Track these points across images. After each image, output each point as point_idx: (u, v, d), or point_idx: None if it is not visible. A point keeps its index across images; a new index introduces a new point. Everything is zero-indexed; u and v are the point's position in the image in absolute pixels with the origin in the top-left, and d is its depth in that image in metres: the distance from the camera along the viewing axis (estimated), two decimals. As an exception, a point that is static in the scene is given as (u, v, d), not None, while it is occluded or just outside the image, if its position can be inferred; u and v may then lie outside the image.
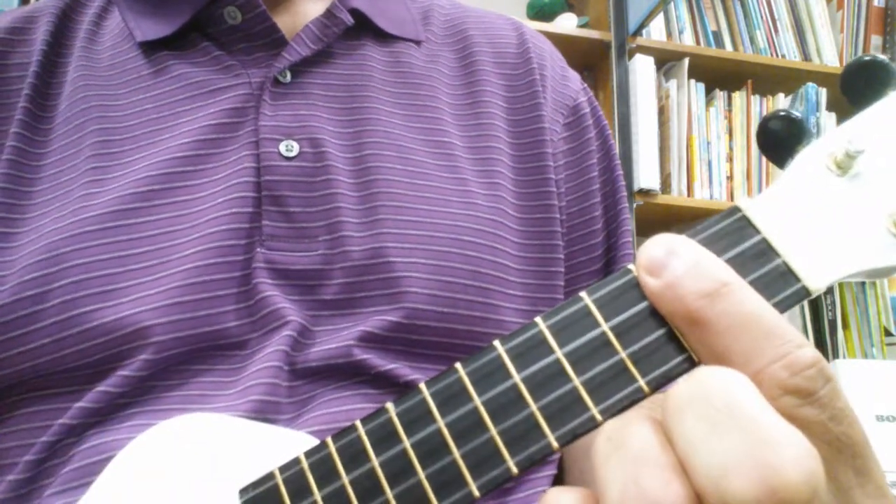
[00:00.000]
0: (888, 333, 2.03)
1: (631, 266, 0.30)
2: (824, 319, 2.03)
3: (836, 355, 1.95)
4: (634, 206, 1.92)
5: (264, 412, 0.46)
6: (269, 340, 0.48)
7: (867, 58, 0.33)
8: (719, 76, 2.15)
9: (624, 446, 0.26)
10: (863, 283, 2.07)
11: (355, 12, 0.59)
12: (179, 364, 0.48)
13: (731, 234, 0.30)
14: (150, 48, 0.57)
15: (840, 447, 0.26)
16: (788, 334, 0.26)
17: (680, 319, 0.28)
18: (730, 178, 2.09)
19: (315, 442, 0.32)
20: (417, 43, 0.63)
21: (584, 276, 0.62)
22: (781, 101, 2.17)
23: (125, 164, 0.53)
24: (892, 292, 2.05)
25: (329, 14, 0.58)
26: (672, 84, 2.08)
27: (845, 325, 2.03)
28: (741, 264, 0.29)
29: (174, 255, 0.49)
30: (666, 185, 2.02)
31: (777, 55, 2.22)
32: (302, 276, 0.51)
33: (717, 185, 2.06)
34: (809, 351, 0.26)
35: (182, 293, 0.48)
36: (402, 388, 0.49)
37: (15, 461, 0.47)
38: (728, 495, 0.23)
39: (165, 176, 0.51)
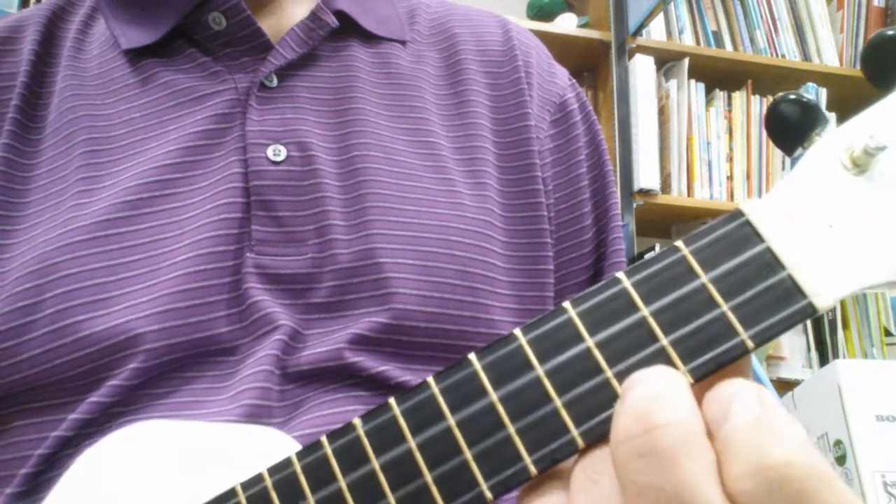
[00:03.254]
0: (888, 333, 2.02)
1: (619, 275, 0.28)
2: (824, 319, 2.02)
3: (836, 355, 1.95)
4: (634, 206, 1.92)
5: (256, 416, 0.46)
6: (260, 345, 0.48)
7: (891, 32, 0.29)
8: (719, 76, 2.15)
9: (595, 485, 0.24)
10: (863, 283, 2.07)
11: (340, 14, 0.59)
12: (171, 371, 0.48)
13: (733, 242, 0.27)
14: (136, 56, 0.57)
15: None
16: None
17: (730, 491, 0.22)
18: (730, 178, 2.09)
19: (283, 438, 0.31)
20: (403, 43, 0.63)
21: (574, 273, 0.62)
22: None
23: (114, 173, 0.53)
24: (893, 292, 2.05)
25: (313, 16, 0.57)
26: (672, 84, 2.08)
27: (845, 325, 2.03)
28: (743, 277, 0.27)
29: (164, 262, 0.49)
30: (666, 185, 2.02)
31: (777, 55, 2.22)
32: (292, 279, 0.51)
33: (717, 185, 2.06)
34: None
35: (173, 300, 0.48)
36: (393, 390, 0.49)
37: (12, 474, 0.47)
38: None
39: (154, 184, 0.51)
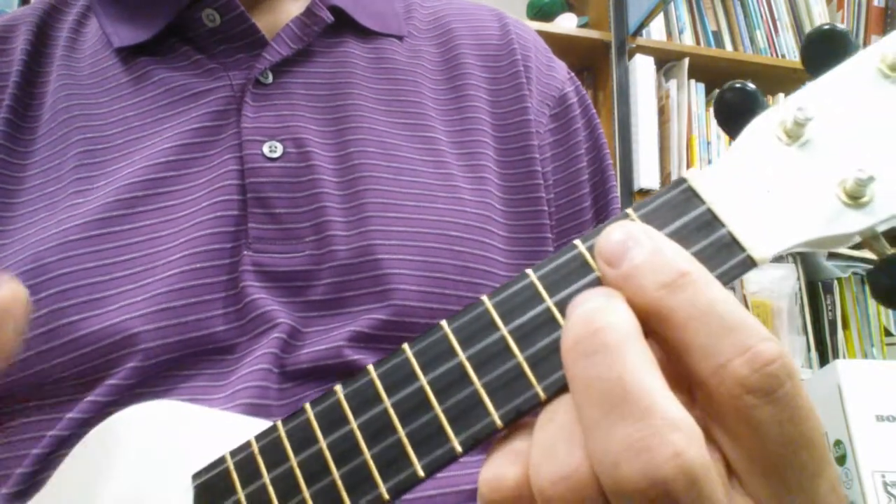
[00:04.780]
0: (888, 333, 2.02)
1: (577, 241, 0.30)
2: (824, 319, 2.02)
3: (836, 355, 1.94)
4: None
5: (255, 416, 0.45)
6: (258, 343, 0.48)
7: (826, 27, 0.32)
8: (719, 76, 2.14)
9: (552, 421, 0.27)
10: (863, 283, 2.07)
11: (335, 9, 0.59)
12: (168, 370, 0.47)
13: (676, 205, 0.29)
14: (130, 54, 0.57)
15: (795, 449, 0.25)
16: (751, 327, 0.25)
17: (641, 312, 0.26)
18: (730, 178, 2.09)
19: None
20: (400, 38, 0.62)
21: None
22: (781, 101, 2.17)
23: (109, 172, 0.52)
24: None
25: (309, 12, 0.57)
26: (672, 84, 2.08)
27: (845, 325, 2.03)
28: (686, 235, 0.29)
29: (160, 261, 0.49)
30: (666, 184, 2.01)
31: (777, 55, 2.22)
32: (289, 277, 0.50)
33: (717, 185, 2.06)
34: (772, 345, 0.25)
35: (169, 299, 0.47)
36: None
37: (8, 473, 0.46)
38: (618, 484, 0.24)
39: (150, 182, 0.51)
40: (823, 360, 1.97)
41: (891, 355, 1.99)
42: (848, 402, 1.36)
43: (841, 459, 1.25)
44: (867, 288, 2.06)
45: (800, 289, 2.04)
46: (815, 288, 2.06)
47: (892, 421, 1.35)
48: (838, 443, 1.33)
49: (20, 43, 0.58)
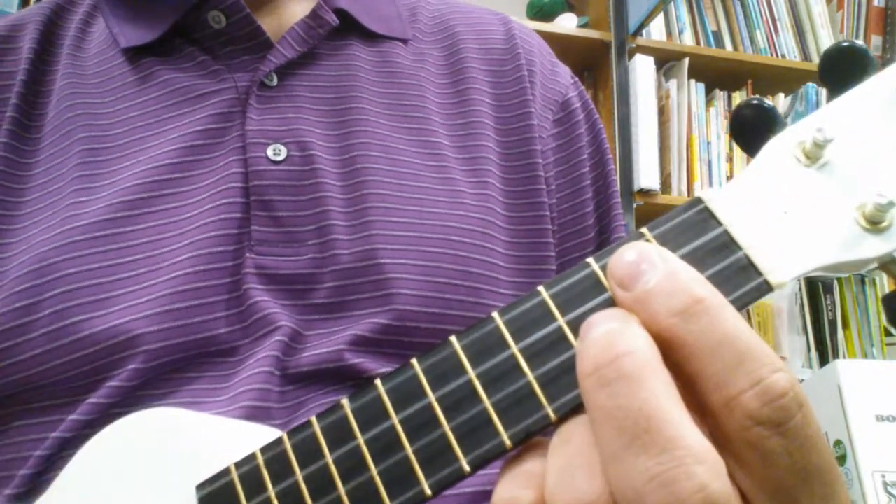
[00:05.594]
0: (888, 333, 2.03)
1: (590, 259, 0.29)
2: (824, 319, 2.03)
3: (836, 355, 1.95)
4: (634, 206, 1.92)
5: (256, 418, 0.45)
6: (259, 346, 0.48)
7: (845, 44, 0.32)
8: (719, 76, 2.15)
9: (567, 444, 0.26)
10: (863, 283, 2.07)
11: (340, 12, 0.59)
12: (170, 372, 0.47)
13: (692, 226, 0.29)
14: (136, 54, 0.57)
15: (806, 476, 0.25)
16: (763, 357, 0.25)
17: (653, 337, 0.26)
18: (730, 177, 2.09)
19: (275, 434, 0.32)
20: (404, 41, 0.62)
21: None
22: (781, 101, 2.17)
23: (113, 172, 0.52)
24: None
25: (314, 15, 0.57)
26: (672, 84, 2.09)
27: (845, 325, 2.03)
28: (702, 257, 0.28)
29: (164, 262, 0.49)
30: (666, 185, 2.02)
31: (777, 55, 2.23)
32: (292, 280, 0.50)
33: (717, 185, 2.06)
34: (783, 377, 0.24)
35: (172, 301, 0.47)
36: None
37: (11, 475, 0.46)
38: None
39: (154, 184, 0.51)
40: (823, 360, 1.98)
41: (891, 355, 1.99)
42: (848, 402, 1.37)
43: (841, 459, 1.25)
44: (867, 288, 2.07)
45: (800, 289, 2.05)
46: (815, 288, 2.06)
47: (892, 421, 1.35)
48: (838, 443, 1.33)
49: (27, 42, 0.58)
